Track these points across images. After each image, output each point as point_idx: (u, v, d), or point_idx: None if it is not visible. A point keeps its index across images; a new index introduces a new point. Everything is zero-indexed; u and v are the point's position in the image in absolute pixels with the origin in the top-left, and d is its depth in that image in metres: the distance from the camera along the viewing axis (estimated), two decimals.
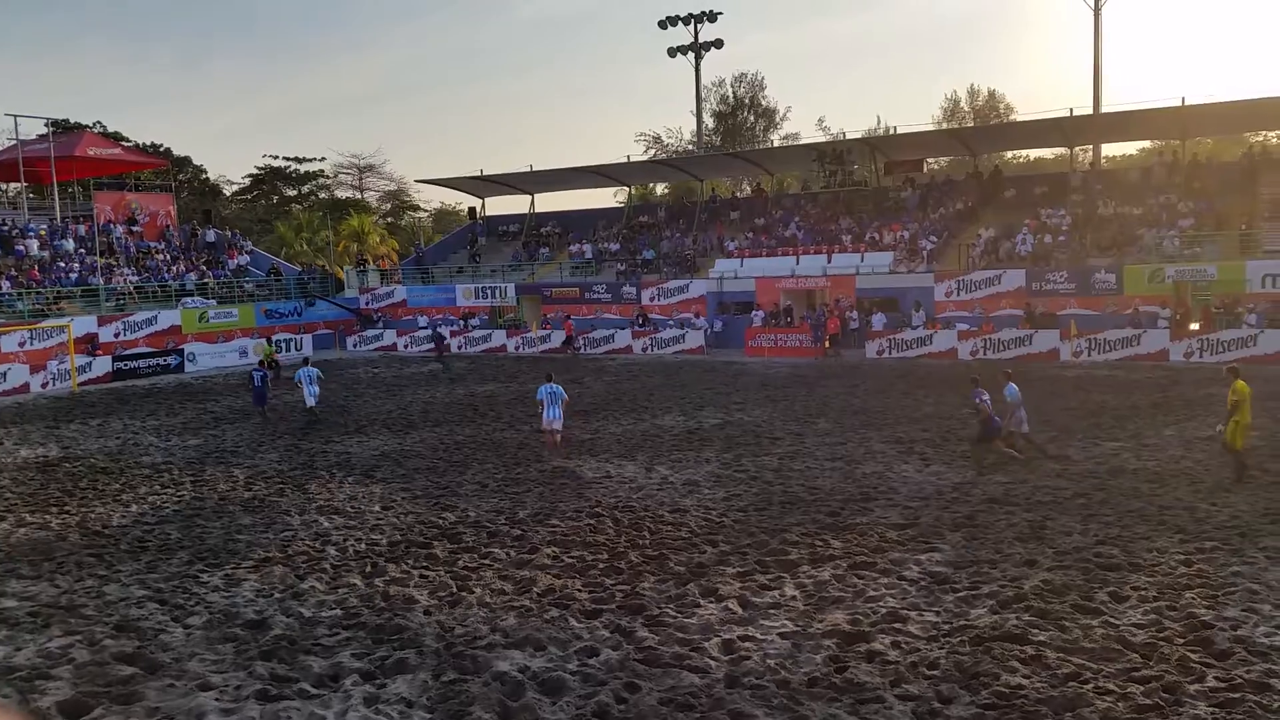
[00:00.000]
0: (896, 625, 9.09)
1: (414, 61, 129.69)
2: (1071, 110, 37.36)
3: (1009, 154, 58.54)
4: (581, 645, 8.84)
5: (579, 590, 10.37)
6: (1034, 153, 59.69)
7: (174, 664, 8.71)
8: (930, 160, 48.84)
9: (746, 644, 8.75)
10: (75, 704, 7.91)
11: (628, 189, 55.18)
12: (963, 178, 43.56)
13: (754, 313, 37.38)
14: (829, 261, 38.00)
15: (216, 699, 7.97)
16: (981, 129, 51.28)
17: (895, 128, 43.17)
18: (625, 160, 48.39)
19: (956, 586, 10.13)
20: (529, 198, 52.00)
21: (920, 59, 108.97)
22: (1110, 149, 50.39)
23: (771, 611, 9.57)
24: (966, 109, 69.71)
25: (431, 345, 36.62)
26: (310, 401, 22.98)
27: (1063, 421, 19.73)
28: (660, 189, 68.01)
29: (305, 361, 24.90)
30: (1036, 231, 35.57)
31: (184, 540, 12.99)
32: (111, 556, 12.31)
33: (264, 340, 35.51)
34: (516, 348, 39.77)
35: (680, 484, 15.39)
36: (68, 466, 18.58)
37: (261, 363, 29.67)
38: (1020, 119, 45.52)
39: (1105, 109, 42.16)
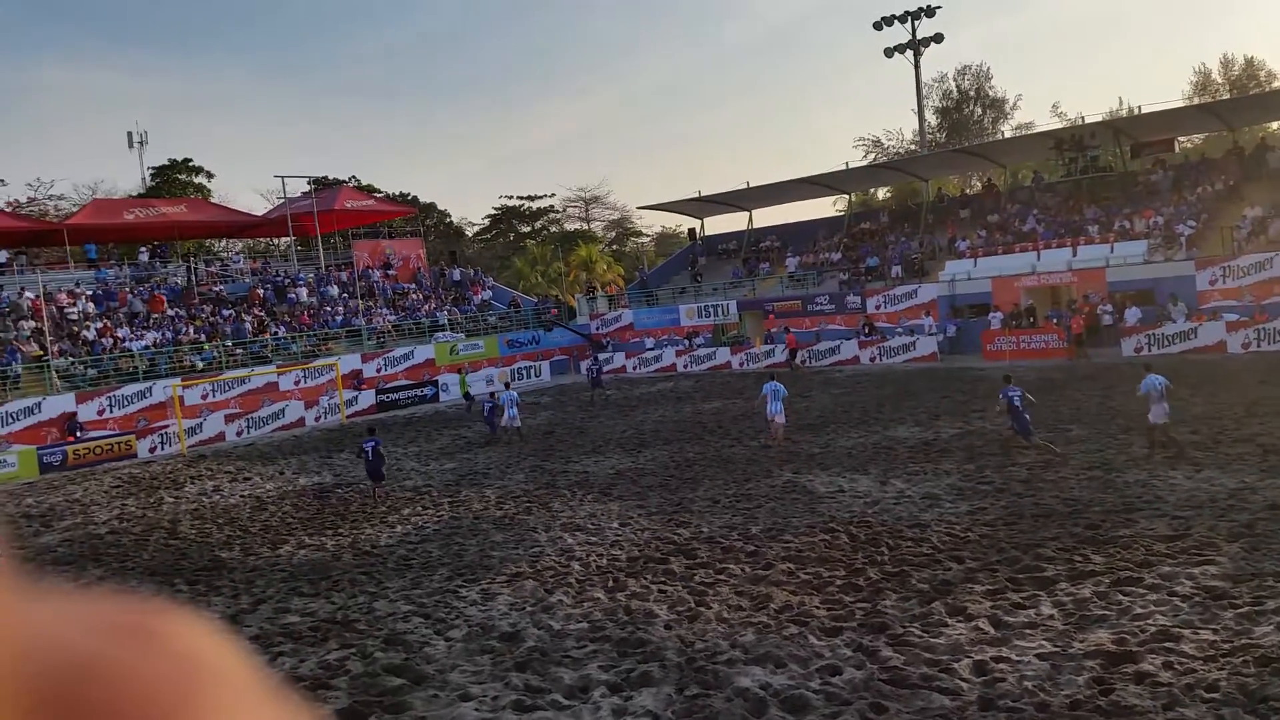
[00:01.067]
0: (1168, 645, 8.29)
1: (632, 95, 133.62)
2: None
3: (1273, 125, 52.42)
4: (823, 663, 8.68)
5: (817, 607, 10.20)
6: None
7: (437, 675, 9.34)
8: (1182, 139, 44.70)
9: (1000, 665, 8.27)
10: (352, 713, 8.64)
11: (847, 196, 54.12)
12: (1221, 155, 39.48)
13: (991, 314, 35.49)
14: (1074, 254, 35.51)
15: (476, 709, 8.46)
16: (1239, 100, 46.24)
17: (1140, 107, 39.74)
18: (844, 167, 47.52)
19: (1236, 602, 9.12)
20: (746, 214, 52.17)
21: (1162, 30, 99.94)
22: None
23: (1027, 631, 9.00)
24: (1220, 80, 63.15)
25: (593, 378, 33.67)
26: (515, 423, 24.96)
27: None
28: (882, 194, 66.20)
29: (506, 386, 26.41)
30: None
31: (444, 557, 13.93)
32: (380, 574, 13.40)
33: (462, 373, 37.13)
34: (740, 364, 39.84)
35: (919, 498, 14.81)
36: (340, 492, 20.44)
37: (466, 395, 33.82)
38: None
39: None
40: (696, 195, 50.15)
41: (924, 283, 38.64)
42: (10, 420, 29.44)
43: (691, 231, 55.74)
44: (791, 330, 39.04)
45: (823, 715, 7.66)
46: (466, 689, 8.91)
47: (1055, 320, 33.75)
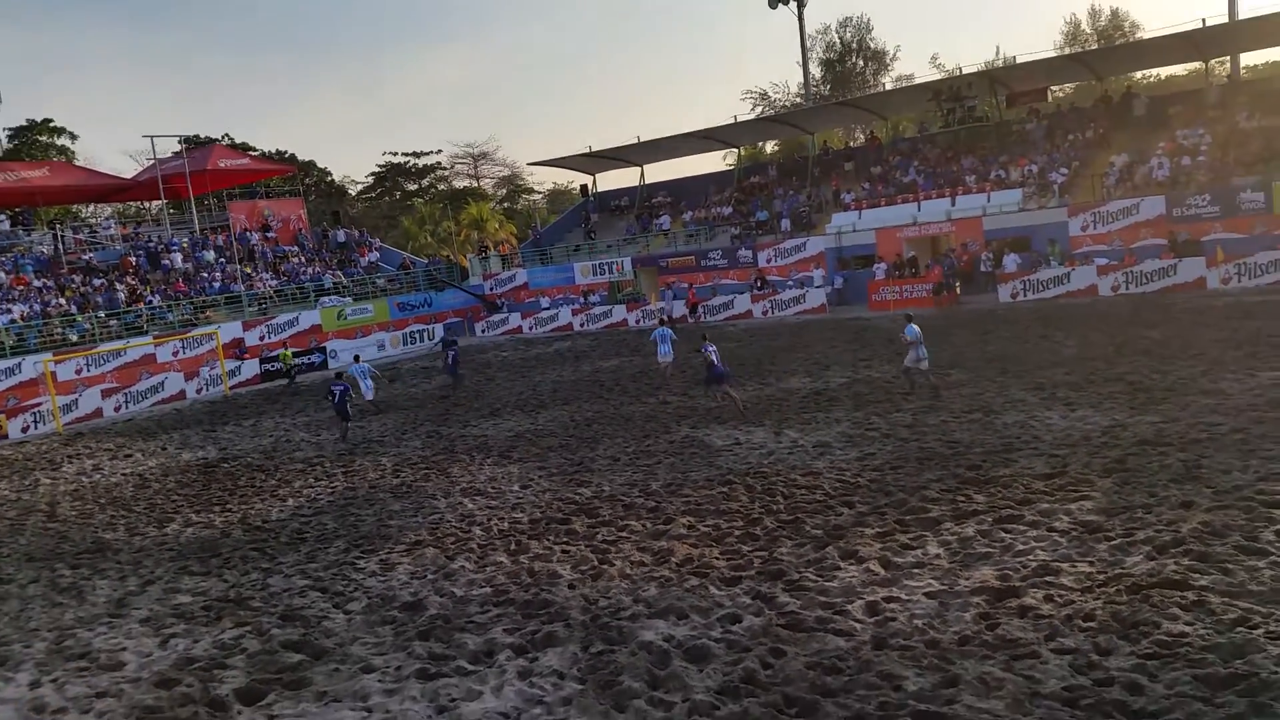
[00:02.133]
0: (1048, 578, 8.80)
1: (515, 48, 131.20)
2: (1204, 21, 34.76)
3: (1138, 75, 54.94)
4: (724, 613, 8.90)
5: (717, 558, 10.44)
6: (1164, 71, 55.86)
7: (338, 649, 9.21)
8: (1054, 88, 46.43)
9: (891, 605, 8.64)
10: (250, 691, 8.48)
11: (737, 150, 54.53)
12: (1090, 104, 41.25)
13: (876, 265, 36.50)
14: (953, 204, 36.71)
15: (379, 680, 8.40)
16: (1107, 50, 48.28)
17: (1015, 58, 41.11)
18: (732, 121, 47.82)
19: (1110, 535, 9.73)
20: (639, 170, 52.09)
21: None
22: (1249, 58, 46.81)
23: (915, 571, 9.41)
24: (1089, 31, 65.80)
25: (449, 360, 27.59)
26: (369, 395, 24.68)
27: (1214, 353, 18.59)
28: (770, 147, 66.94)
29: (355, 359, 26.15)
30: (1173, 154, 33.45)
31: (339, 529, 13.69)
32: (273, 549, 13.08)
33: (287, 350, 34.88)
34: (637, 321, 40.02)
35: (811, 446, 15.24)
36: (226, 466, 19.81)
37: (288, 369, 32.23)
38: (1149, 35, 42.63)
39: (1242, 16, 38.98)
40: (587, 151, 49.78)
41: (812, 236, 39.43)
42: None
43: (584, 188, 55.40)
44: (693, 286, 39.41)
45: (724, 663, 7.87)
46: (369, 661, 8.82)
47: (939, 267, 34.91)
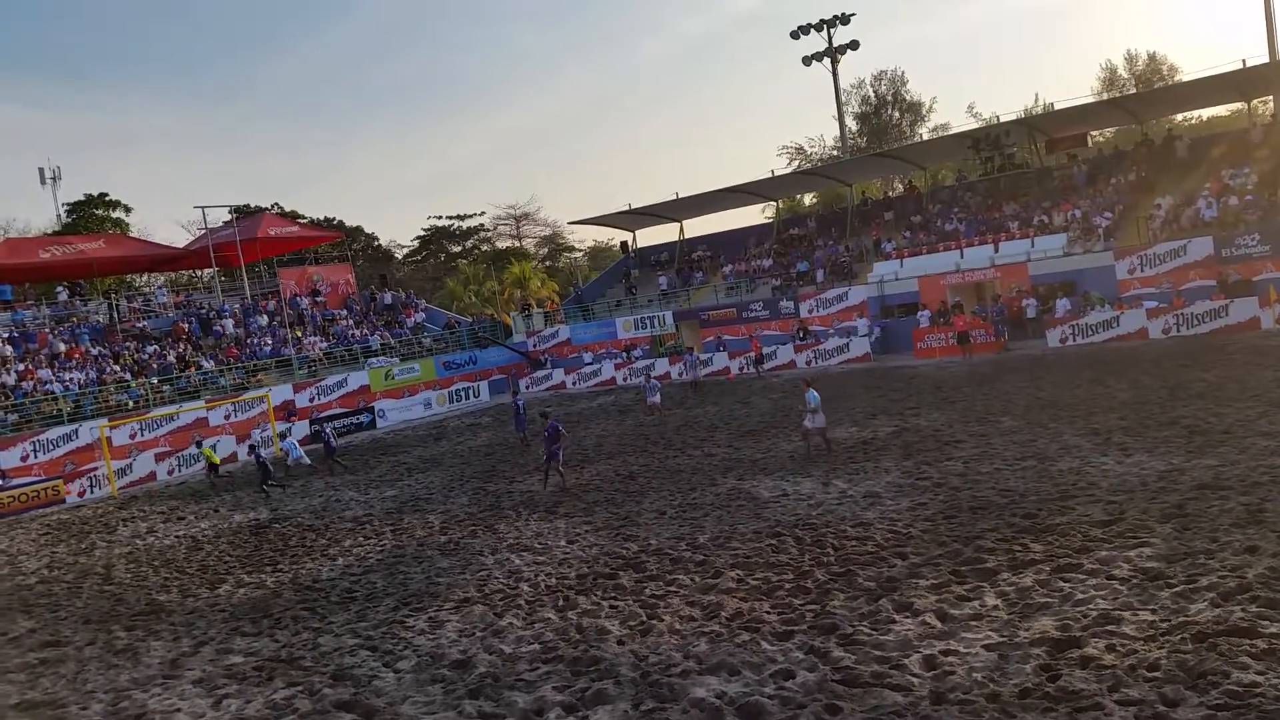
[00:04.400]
0: (1110, 628, 8.53)
1: (555, 113, 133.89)
2: (1245, 62, 34.46)
3: (1179, 117, 54.54)
4: (776, 668, 8.73)
5: (767, 612, 10.27)
6: (1206, 113, 55.35)
7: (388, 708, 9.17)
8: (1094, 133, 46.17)
9: (949, 658, 8.41)
10: None
11: (775, 204, 54.83)
12: (1131, 147, 40.93)
13: (920, 313, 36.24)
14: (996, 251, 36.46)
15: None
16: (1147, 94, 48.03)
17: (1052, 104, 41.02)
18: (769, 175, 48.13)
19: (1172, 581, 9.43)
20: (678, 225, 52.52)
21: (1067, 31, 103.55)
22: None
23: (973, 623, 9.18)
24: (1126, 76, 65.63)
25: (518, 413, 27.52)
26: (304, 461, 27.24)
27: (1273, 394, 18.12)
28: (808, 199, 67.20)
29: (283, 436, 28.46)
30: (1220, 195, 32.96)
31: (389, 587, 13.71)
32: (324, 609, 13.12)
33: (202, 441, 31.19)
34: (680, 374, 40.01)
35: (860, 496, 15.02)
36: (278, 527, 19.99)
37: (211, 465, 28.85)
38: (1189, 77, 42.27)
39: None
40: (627, 208, 50.36)
41: (854, 285, 39.30)
42: None
43: (624, 244, 55.96)
44: (756, 336, 39.20)
45: None
46: None
47: (982, 316, 34.59)
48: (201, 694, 10.33)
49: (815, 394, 18.97)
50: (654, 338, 44.19)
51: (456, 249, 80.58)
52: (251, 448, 27.61)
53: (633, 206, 50.23)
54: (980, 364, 29.80)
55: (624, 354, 43.71)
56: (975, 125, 47.83)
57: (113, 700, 10.52)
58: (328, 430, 27.30)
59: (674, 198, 48.64)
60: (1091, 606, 9.09)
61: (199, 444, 30.98)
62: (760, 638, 9.52)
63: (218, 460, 29.28)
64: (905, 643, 8.89)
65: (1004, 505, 13.26)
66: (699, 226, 53.60)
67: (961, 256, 37.18)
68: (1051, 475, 14.61)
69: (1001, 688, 7.68)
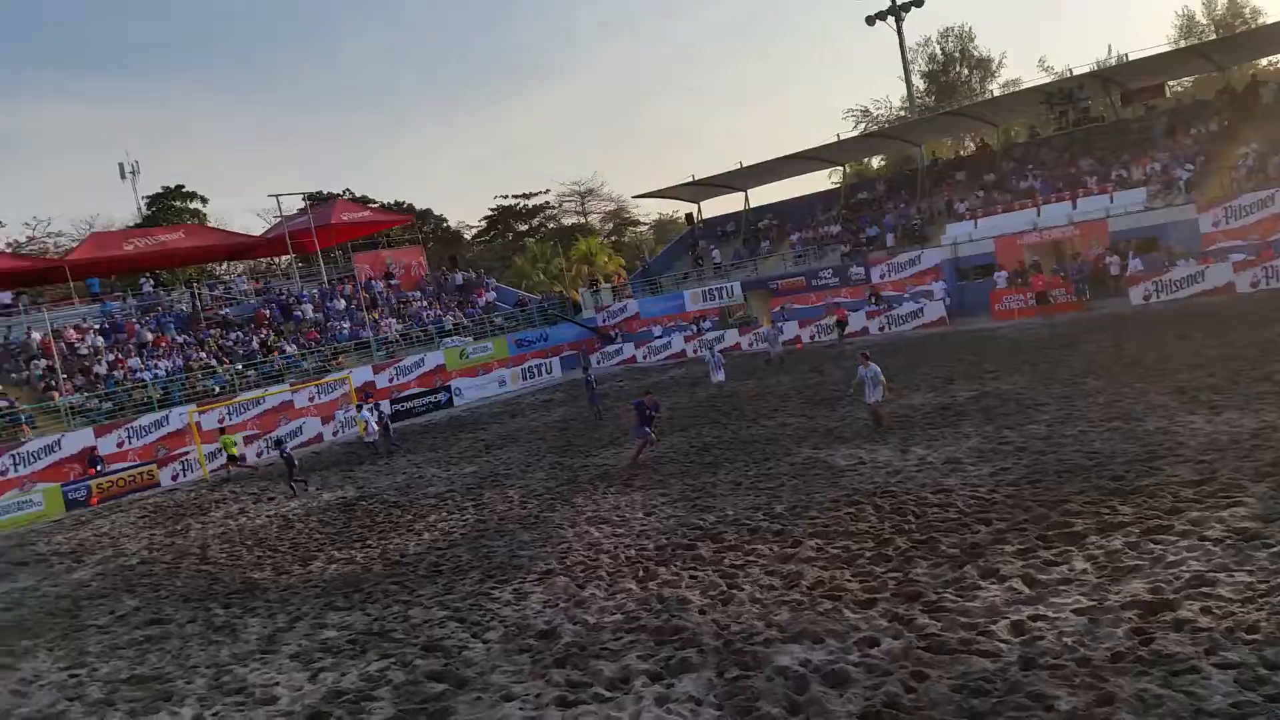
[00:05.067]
0: (1204, 590, 8.31)
1: (614, 86, 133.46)
2: None
3: (1263, 62, 51.97)
4: (860, 636, 8.71)
5: (849, 580, 10.24)
6: None
7: (478, 678, 9.40)
8: (1172, 83, 44.36)
9: (1038, 623, 8.29)
10: None
11: (842, 168, 53.96)
12: (1212, 96, 39.22)
13: (996, 274, 35.41)
14: (1074, 208, 35.39)
15: (520, 708, 8.52)
16: (1228, 39, 45.82)
17: (1127, 55, 39.47)
18: (835, 140, 47.37)
19: (1270, 542, 9.12)
20: (742, 195, 52.07)
21: None
22: None
23: (1061, 587, 9.02)
24: (1204, 22, 62.67)
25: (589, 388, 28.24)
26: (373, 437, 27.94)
27: None
28: (876, 163, 65.96)
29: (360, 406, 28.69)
30: None
31: (473, 561, 14.01)
32: (412, 582, 13.47)
33: (227, 437, 30.91)
34: (750, 344, 39.83)
35: (940, 463, 14.82)
36: (364, 504, 20.54)
37: (231, 457, 29.55)
38: (1273, 19, 40.21)
39: None
40: (690, 179, 50.09)
41: (926, 248, 38.56)
42: (31, 460, 29.65)
43: (689, 216, 55.71)
44: (839, 302, 38.63)
45: (865, 687, 7.69)
46: (509, 689, 8.97)
47: (1062, 275, 33.66)
48: (298, 667, 10.72)
49: (868, 370, 18.28)
50: (722, 309, 44.03)
51: (523, 227, 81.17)
52: (278, 443, 28.17)
53: (696, 178, 49.95)
54: (1061, 324, 29.02)
55: (693, 326, 43.67)
56: (1047, 79, 46.35)
57: (215, 675, 10.98)
58: (288, 450, 25.55)
59: (738, 167, 48.22)
60: (1184, 569, 8.86)
61: (222, 433, 31.61)
62: (842, 606, 9.50)
63: (236, 453, 30.13)
64: (992, 609, 8.79)
65: (1090, 468, 12.95)
66: (764, 195, 53.21)
67: (1038, 215, 36.18)
68: (1138, 436, 14.22)
69: (1093, 652, 7.55)
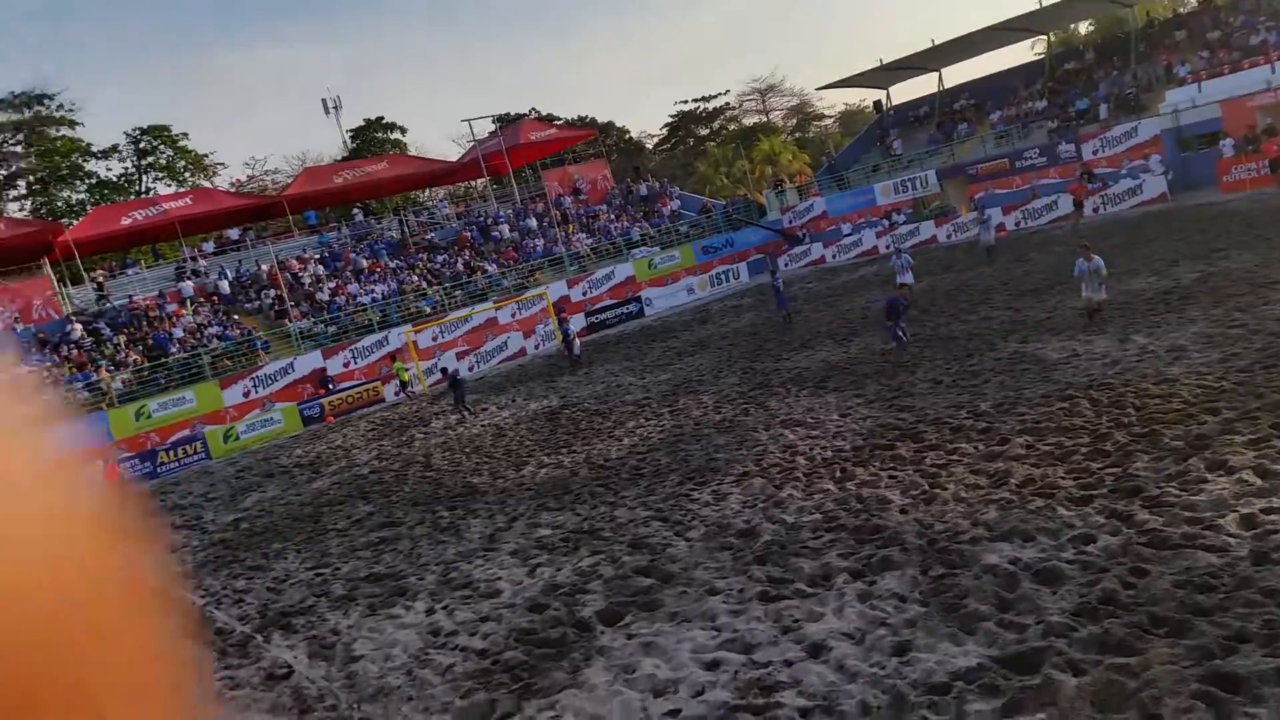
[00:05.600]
0: None
1: None
2: None
3: None
4: (1075, 534, 8.40)
5: (1062, 478, 9.83)
6: None
7: (683, 573, 9.80)
8: None
9: (1271, 516, 7.71)
10: (610, 613, 9.27)
11: (1046, 37, 49.74)
12: None
13: (1223, 142, 31.96)
14: None
15: (724, 602, 8.84)
16: None
17: None
18: (1037, 5, 43.60)
19: None
20: (936, 75, 49.11)
21: None
22: None
23: None
24: None
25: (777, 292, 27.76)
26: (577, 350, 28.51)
27: None
28: (1084, 28, 60.37)
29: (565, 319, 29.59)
30: None
31: (672, 464, 14.44)
32: (615, 484, 14.08)
33: (399, 364, 32.86)
34: (948, 236, 38.06)
35: (1163, 351, 13.80)
36: (568, 413, 21.47)
37: (403, 383, 31.55)
38: None
39: None
40: (878, 64, 47.70)
41: (1143, 118, 35.22)
42: (269, 381, 32.75)
43: (877, 104, 53.28)
44: (1083, 178, 35.67)
45: (1079, 584, 7.45)
46: (712, 584, 9.31)
47: None
48: (518, 563, 11.53)
49: (1090, 264, 16.15)
50: (916, 200, 42.17)
51: (704, 132, 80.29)
52: (444, 371, 29.34)
53: (884, 61, 47.51)
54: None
55: (884, 221, 42.14)
56: None
57: (443, 571, 11.98)
58: (457, 375, 26.62)
59: (930, 45, 45.44)
60: None
61: (394, 360, 33.25)
62: (1055, 503, 9.16)
63: (407, 379, 31.90)
64: (1219, 502, 8.24)
65: None
66: (959, 74, 50.02)
67: (1273, 72, 32.17)
68: None
69: None
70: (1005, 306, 20.60)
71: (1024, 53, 54.50)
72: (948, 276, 27.81)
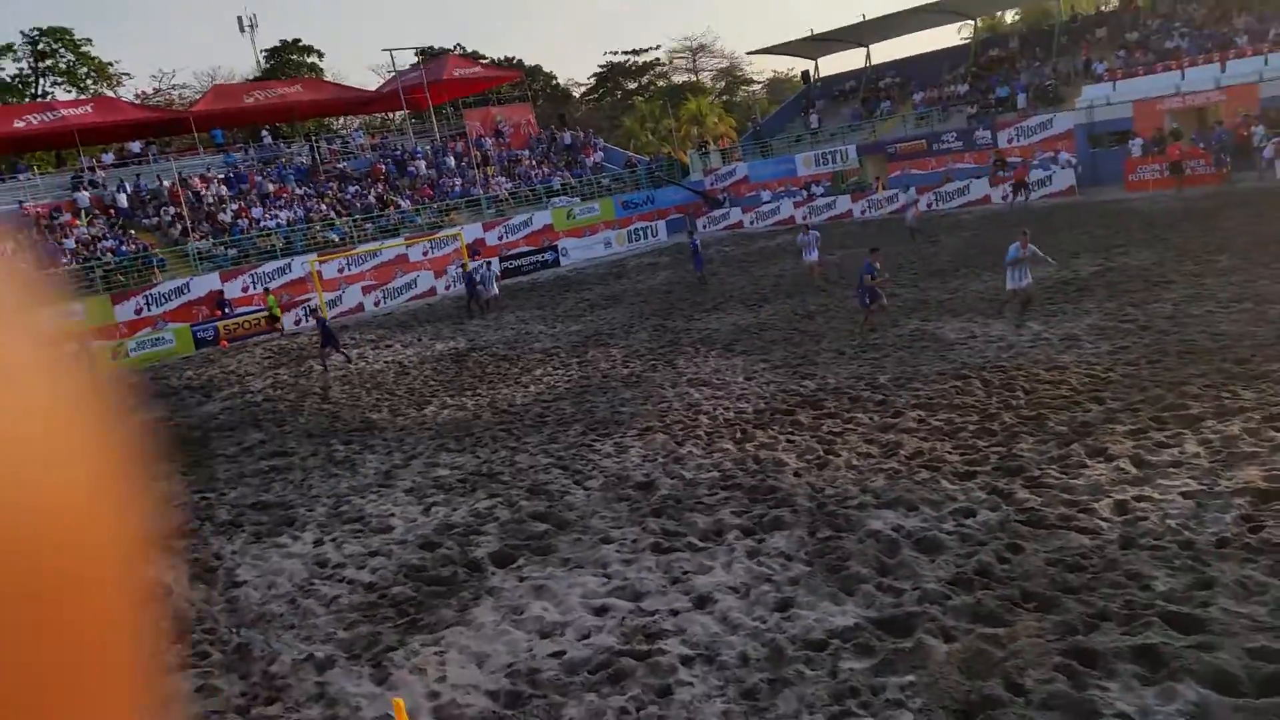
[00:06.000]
0: None
1: None
2: None
3: None
4: (956, 506, 8.74)
5: (949, 453, 10.19)
6: None
7: (579, 521, 9.87)
8: None
9: (1142, 504, 8.15)
10: (503, 555, 9.30)
11: (973, 23, 50.64)
12: None
13: (1132, 141, 33.19)
14: (1223, 71, 32.56)
15: (617, 551, 8.94)
16: None
17: None
18: None
19: None
20: (864, 51, 49.57)
21: None
22: None
23: (1171, 470, 8.79)
24: None
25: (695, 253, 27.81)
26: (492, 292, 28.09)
27: None
28: (1010, 17, 61.61)
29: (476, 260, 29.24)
30: None
31: (576, 414, 14.45)
32: (519, 430, 14.03)
33: (271, 297, 32.18)
34: (863, 212, 38.72)
35: (1057, 339, 14.37)
36: (475, 356, 21.24)
37: (272, 315, 31.12)
38: None
39: None
40: (809, 34, 47.88)
41: (1059, 111, 36.28)
42: (163, 300, 31.46)
43: (805, 74, 53.49)
44: (1025, 161, 35.70)
45: (957, 555, 7.77)
46: (607, 533, 9.40)
47: (1202, 145, 31.34)
48: (413, 501, 11.42)
49: (1026, 250, 15.66)
50: (835, 174, 42.70)
51: (632, 86, 79.47)
52: (313, 311, 28.69)
53: (815, 32, 47.70)
54: (1198, 198, 27.23)
55: (804, 191, 42.59)
56: None
57: (334, 504, 11.80)
58: (326, 321, 23.79)
59: (860, 19, 45.78)
60: None
61: (268, 292, 32.45)
62: (940, 476, 9.50)
63: (279, 313, 31.22)
64: (1096, 487, 8.66)
65: (1214, 350, 12.38)
66: (887, 51, 50.33)
67: (1182, 78, 33.42)
68: (1270, 319, 13.44)
69: (1197, 535, 7.41)
70: (911, 285, 21.10)
71: (951, 35, 55.51)
72: (858, 252, 28.28)
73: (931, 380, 13.16)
